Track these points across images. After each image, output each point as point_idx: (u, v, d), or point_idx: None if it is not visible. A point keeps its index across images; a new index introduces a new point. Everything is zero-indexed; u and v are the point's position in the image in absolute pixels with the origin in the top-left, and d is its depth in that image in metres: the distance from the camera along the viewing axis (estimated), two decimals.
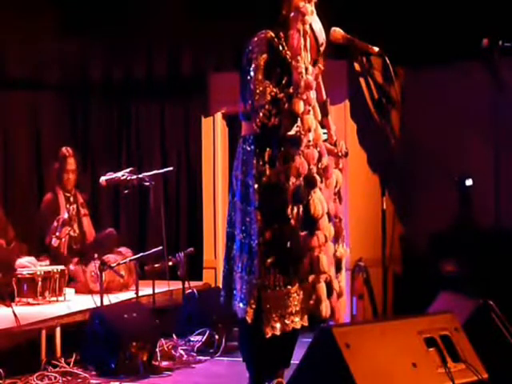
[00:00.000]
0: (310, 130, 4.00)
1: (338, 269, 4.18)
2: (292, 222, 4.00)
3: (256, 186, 4.05)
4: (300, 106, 3.99)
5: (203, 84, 7.74)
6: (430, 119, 7.33)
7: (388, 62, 4.42)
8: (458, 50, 6.81)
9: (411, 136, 7.38)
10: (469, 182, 7.17)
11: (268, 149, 4.08)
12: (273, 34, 4.10)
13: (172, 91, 8.13)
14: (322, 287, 3.99)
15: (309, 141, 4.00)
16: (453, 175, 7.20)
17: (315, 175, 3.99)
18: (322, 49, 4.19)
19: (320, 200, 3.97)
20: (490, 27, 6.11)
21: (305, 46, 4.03)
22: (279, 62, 4.07)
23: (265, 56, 4.06)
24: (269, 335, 3.99)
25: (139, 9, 7.70)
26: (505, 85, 6.58)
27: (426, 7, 6.98)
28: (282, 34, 4.10)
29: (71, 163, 7.13)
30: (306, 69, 4.02)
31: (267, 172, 4.06)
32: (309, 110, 4.00)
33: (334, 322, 4.11)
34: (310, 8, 4.07)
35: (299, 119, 4.02)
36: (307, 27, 4.04)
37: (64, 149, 7.18)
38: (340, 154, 4.26)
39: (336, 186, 4.19)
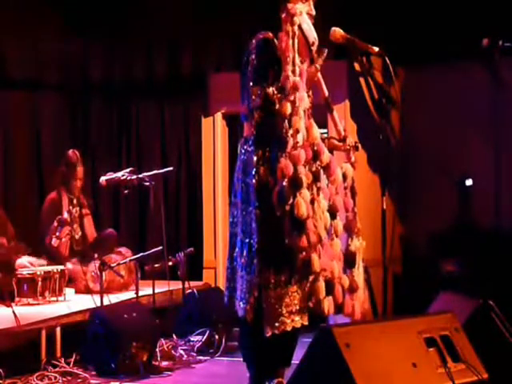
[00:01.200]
0: (298, 132, 3.99)
1: (352, 263, 4.16)
2: (286, 221, 3.98)
3: (255, 185, 4.06)
4: (287, 108, 3.98)
5: (203, 84, 7.73)
6: (430, 119, 7.34)
7: (388, 62, 4.42)
8: (458, 49, 6.81)
9: (411, 136, 7.38)
10: (469, 182, 7.17)
11: (266, 149, 4.09)
12: (272, 35, 4.12)
13: (172, 91, 8.13)
14: (320, 285, 3.99)
15: (297, 142, 3.98)
16: (453, 175, 7.20)
17: (301, 176, 3.96)
18: (313, 48, 4.18)
19: (306, 201, 3.95)
20: (490, 27, 6.12)
21: (293, 47, 4.02)
22: (277, 63, 4.08)
23: (261, 57, 4.07)
24: (269, 334, 4.00)
25: (139, 9, 7.71)
26: (505, 85, 6.58)
27: (426, 7, 6.98)
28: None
29: (80, 172, 7.09)
30: (294, 70, 4.02)
31: (264, 172, 4.07)
32: (297, 111, 3.99)
33: (346, 318, 4.11)
34: (300, 9, 4.07)
35: (287, 121, 4.01)
36: (296, 28, 4.04)
37: (71, 152, 7.10)
38: (348, 147, 4.26)
39: (345, 181, 4.19)
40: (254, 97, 4.05)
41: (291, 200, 3.92)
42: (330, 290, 4.03)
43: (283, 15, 4.06)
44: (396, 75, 5.57)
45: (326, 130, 4.57)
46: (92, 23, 7.75)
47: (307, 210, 3.93)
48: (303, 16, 4.11)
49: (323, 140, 4.16)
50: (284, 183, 3.94)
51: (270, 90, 4.05)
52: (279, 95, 4.06)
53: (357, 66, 7.02)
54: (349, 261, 4.16)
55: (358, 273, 4.19)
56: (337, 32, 4.38)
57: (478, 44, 5.63)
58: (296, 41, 4.02)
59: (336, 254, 4.10)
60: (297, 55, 4.02)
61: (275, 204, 3.95)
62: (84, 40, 7.93)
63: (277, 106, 4.04)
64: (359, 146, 4.34)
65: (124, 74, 8.16)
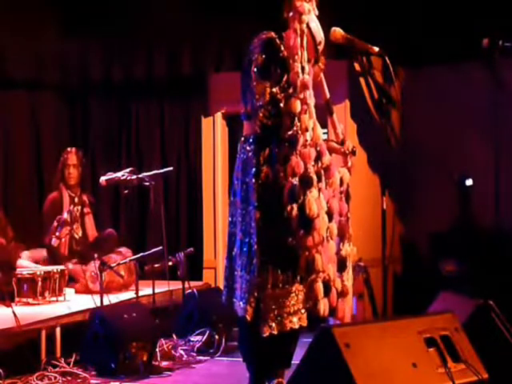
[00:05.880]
0: (307, 130, 4.00)
1: (343, 268, 4.17)
2: (291, 221, 3.99)
3: (255, 185, 4.06)
4: (297, 106, 3.99)
5: (203, 84, 7.74)
6: (430, 119, 7.34)
7: (388, 62, 4.42)
8: (458, 49, 6.81)
9: (411, 136, 7.39)
10: (469, 182, 7.18)
11: (267, 148, 4.09)
12: (274, 35, 4.12)
13: (172, 91, 8.13)
14: (319, 286, 4.00)
15: (306, 140, 4.00)
16: (453, 175, 7.21)
17: (312, 175, 3.98)
18: (320, 48, 4.19)
19: (316, 200, 3.97)
20: (490, 27, 6.11)
21: (301, 45, 4.02)
22: (279, 63, 4.08)
23: (264, 56, 4.07)
24: (266, 334, 3.99)
25: (139, 9, 7.70)
26: (505, 85, 6.58)
27: (426, 7, 6.98)
28: (284, 35, 4.11)
29: (72, 158, 7.14)
30: (303, 68, 4.02)
31: (266, 171, 4.07)
32: (306, 110, 3.99)
33: (337, 321, 4.11)
34: (308, 7, 4.07)
35: (296, 119, 4.02)
36: (304, 26, 4.04)
37: (68, 148, 7.23)
38: (347, 151, 4.26)
39: (342, 185, 4.19)
40: (257, 96, 4.05)
41: (301, 198, 3.93)
42: (327, 291, 4.04)
43: (291, 13, 4.05)
44: (396, 75, 5.57)
45: (326, 130, 4.58)
46: (92, 23, 7.74)
47: (317, 209, 3.94)
48: (311, 15, 4.11)
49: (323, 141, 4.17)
50: (295, 181, 3.95)
51: (274, 89, 4.05)
52: (283, 94, 4.06)
53: (357, 66, 7.02)
54: (340, 265, 4.17)
55: (348, 277, 4.20)
56: (337, 32, 4.37)
57: (478, 44, 5.63)
58: (305, 39, 4.02)
59: (331, 257, 4.11)
60: (305, 53, 4.02)
61: (285, 202, 3.96)
62: (84, 40, 7.92)
63: (281, 105, 4.05)
64: (356, 150, 4.34)
65: (124, 73, 8.15)
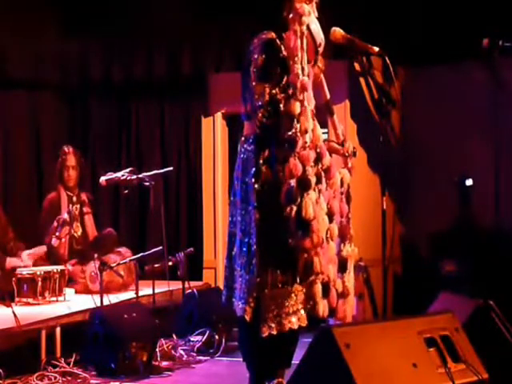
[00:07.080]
0: (306, 132, 4.00)
1: (344, 269, 4.18)
2: (290, 221, 3.99)
3: (255, 185, 4.06)
4: (296, 108, 3.99)
5: (203, 84, 7.74)
6: (430, 119, 7.34)
7: (388, 62, 4.42)
8: (457, 49, 6.81)
9: (411, 136, 7.38)
10: (469, 182, 7.18)
11: (267, 148, 4.09)
12: (274, 35, 4.12)
13: (172, 91, 8.13)
14: (318, 288, 4.01)
15: (305, 142, 4.00)
16: (453, 175, 7.21)
17: (310, 177, 3.98)
18: (320, 49, 4.19)
19: (313, 202, 3.96)
20: (490, 27, 6.12)
21: (301, 46, 4.03)
22: (280, 63, 4.08)
23: (264, 57, 4.07)
24: (265, 334, 3.99)
25: (139, 9, 7.71)
26: (505, 85, 6.59)
27: (426, 7, 6.98)
28: (284, 36, 4.11)
29: (70, 159, 7.11)
30: (303, 69, 4.02)
31: (266, 171, 4.07)
32: (305, 111, 3.99)
33: (338, 322, 4.12)
34: (308, 9, 4.08)
35: (295, 120, 4.01)
36: (304, 28, 4.04)
37: (65, 147, 7.19)
38: (347, 153, 4.27)
39: (342, 186, 4.20)
40: (256, 96, 4.05)
41: (298, 200, 3.93)
42: (326, 292, 4.04)
43: (291, 15, 4.06)
44: (396, 75, 5.56)
45: (326, 130, 4.58)
46: (92, 23, 7.75)
47: (314, 212, 3.94)
48: (311, 16, 4.11)
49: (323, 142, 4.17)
50: (292, 183, 3.95)
51: (273, 89, 4.05)
52: (283, 95, 4.06)
53: (357, 66, 7.02)
54: (341, 266, 4.18)
55: (349, 278, 4.20)
56: (337, 32, 4.38)
57: (478, 44, 5.64)
58: (305, 40, 4.02)
59: (331, 258, 4.11)
60: (305, 55, 4.02)
61: (283, 204, 3.96)
62: (84, 40, 7.93)
63: (281, 106, 4.05)
64: (357, 151, 4.35)
65: (124, 73, 8.15)
